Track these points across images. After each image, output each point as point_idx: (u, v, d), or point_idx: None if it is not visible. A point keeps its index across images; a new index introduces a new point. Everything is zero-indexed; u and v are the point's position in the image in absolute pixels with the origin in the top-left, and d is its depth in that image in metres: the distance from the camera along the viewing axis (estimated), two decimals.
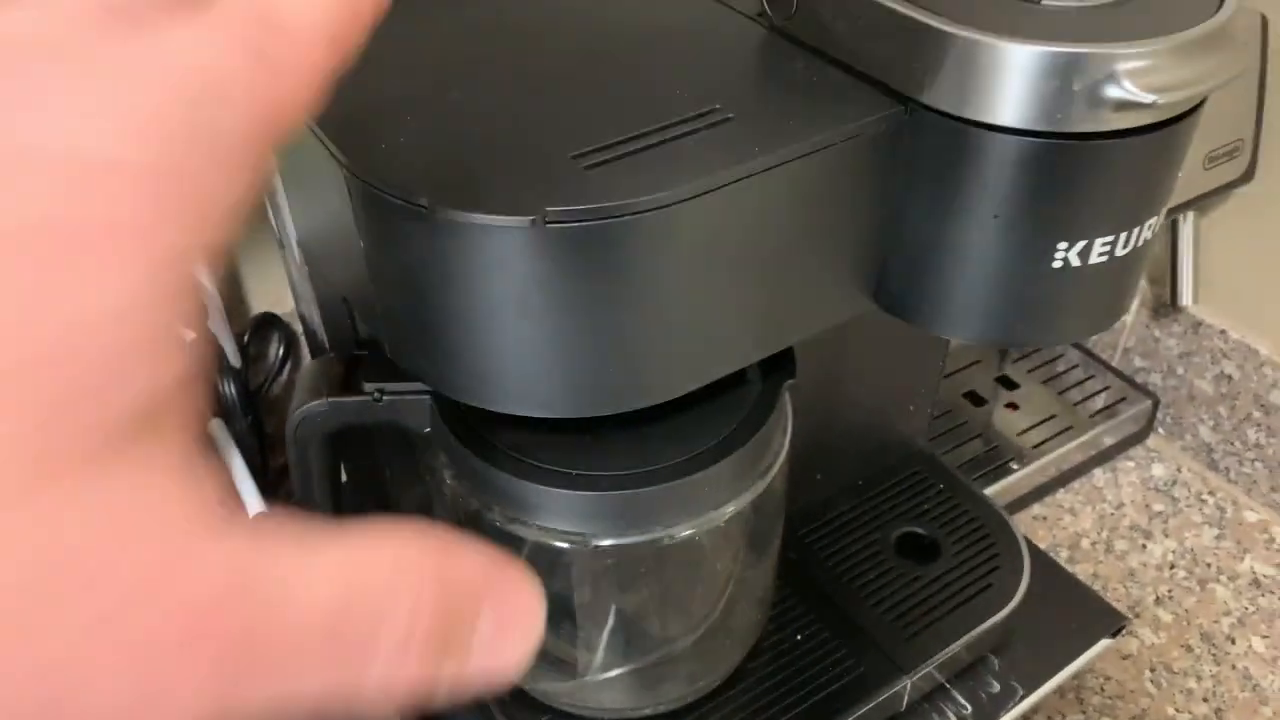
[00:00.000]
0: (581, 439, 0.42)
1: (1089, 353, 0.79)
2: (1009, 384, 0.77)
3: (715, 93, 0.36)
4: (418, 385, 0.43)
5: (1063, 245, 0.36)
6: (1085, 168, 0.34)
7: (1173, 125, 0.35)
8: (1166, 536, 0.71)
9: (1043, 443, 0.72)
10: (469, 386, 0.37)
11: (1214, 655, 0.63)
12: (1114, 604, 0.65)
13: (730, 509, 0.42)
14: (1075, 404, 0.75)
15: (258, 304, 0.73)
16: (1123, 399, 0.76)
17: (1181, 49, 0.32)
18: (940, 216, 0.37)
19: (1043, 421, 0.74)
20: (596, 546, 0.43)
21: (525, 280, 0.33)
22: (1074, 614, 0.57)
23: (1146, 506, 0.73)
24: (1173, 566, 0.69)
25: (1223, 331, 0.70)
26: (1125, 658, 0.63)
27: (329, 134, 0.35)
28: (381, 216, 0.34)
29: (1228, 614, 0.66)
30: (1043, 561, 0.58)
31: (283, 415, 0.78)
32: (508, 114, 0.36)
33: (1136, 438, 0.76)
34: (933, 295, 0.39)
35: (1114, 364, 0.78)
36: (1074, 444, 0.73)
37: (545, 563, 0.44)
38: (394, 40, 0.40)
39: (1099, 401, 0.76)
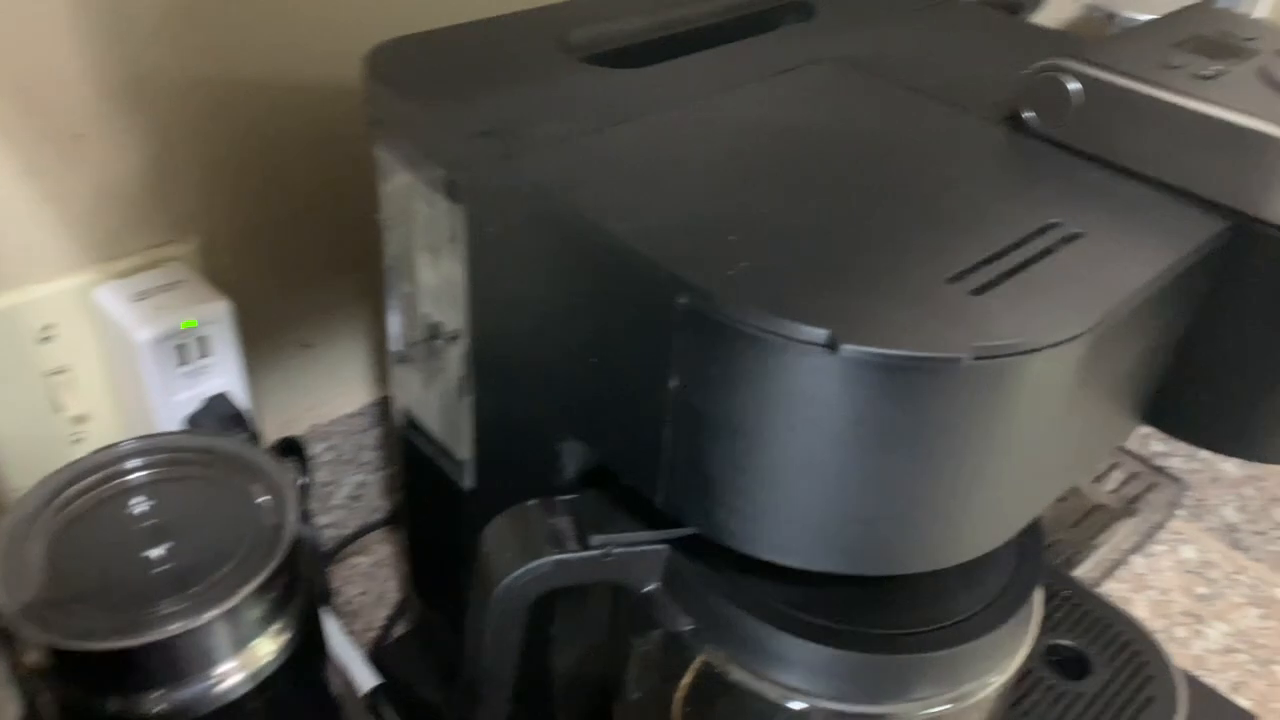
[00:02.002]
0: (832, 591, 0.37)
1: None
2: None
3: (1032, 205, 0.34)
4: (652, 535, 0.37)
5: None
6: None
7: None
8: (1218, 620, 0.72)
9: (1096, 535, 0.72)
10: (775, 540, 0.32)
11: None
12: None
13: (996, 679, 0.38)
14: (1111, 492, 0.76)
15: (267, 427, 0.64)
16: (1153, 485, 0.77)
17: None
18: (1255, 333, 0.35)
19: (1089, 513, 0.74)
20: (843, 714, 0.38)
21: (911, 419, 0.28)
22: (1212, 717, 0.56)
23: (1190, 590, 0.74)
24: (1234, 650, 0.70)
25: None
26: None
27: (649, 253, 0.30)
28: (733, 351, 0.29)
29: None
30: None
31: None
32: (837, 231, 0.32)
33: (1161, 523, 0.78)
34: (1225, 414, 0.37)
35: (1133, 449, 0.80)
36: (1120, 533, 0.73)
37: None
38: (670, 152, 0.35)
39: (1130, 489, 0.77)
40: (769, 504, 0.31)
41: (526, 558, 0.36)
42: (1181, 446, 0.77)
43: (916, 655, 0.36)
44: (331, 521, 0.71)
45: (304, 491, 0.65)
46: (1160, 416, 0.38)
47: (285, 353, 0.62)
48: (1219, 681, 0.67)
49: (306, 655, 0.37)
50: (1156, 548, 0.77)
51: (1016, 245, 0.31)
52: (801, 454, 0.30)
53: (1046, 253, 0.31)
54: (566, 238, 0.32)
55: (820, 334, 0.27)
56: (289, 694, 0.36)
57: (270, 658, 0.35)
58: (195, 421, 0.51)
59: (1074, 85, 0.36)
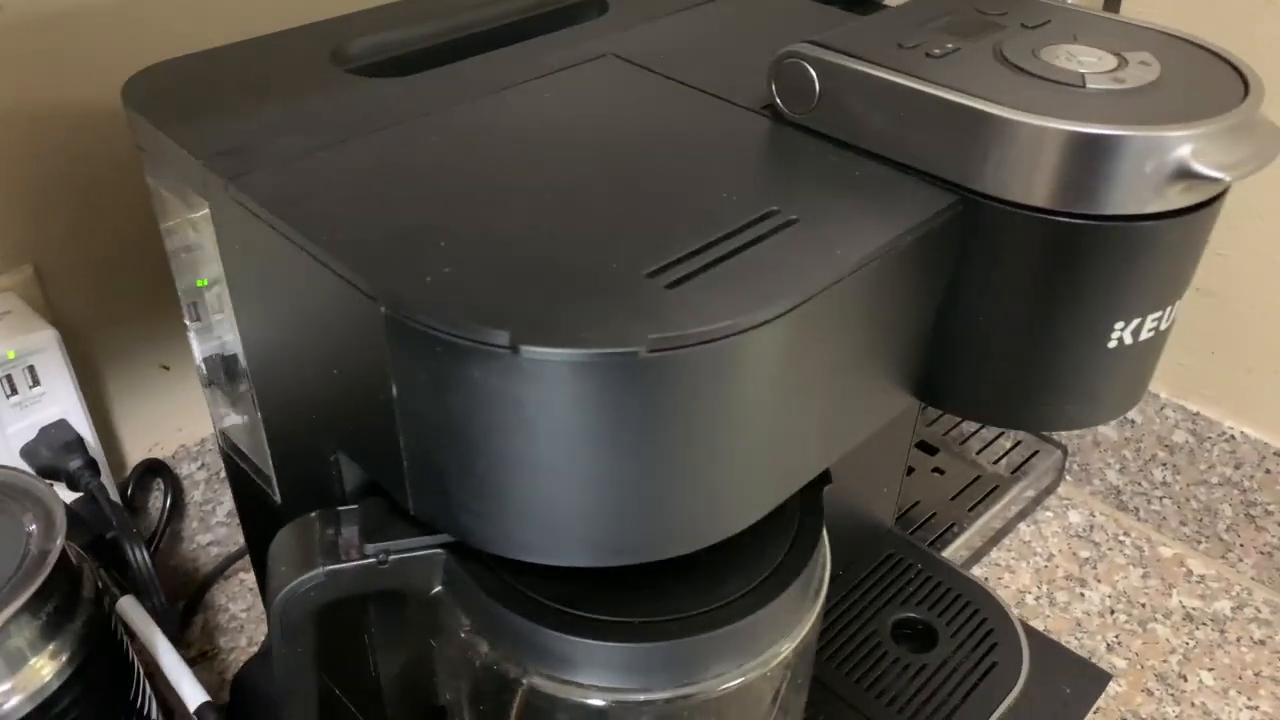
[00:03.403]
0: (614, 584, 0.38)
1: None
2: (929, 449, 0.78)
3: (760, 194, 0.34)
4: (425, 541, 0.37)
5: (1119, 324, 0.36)
6: (1146, 246, 0.34)
7: (1211, 205, 0.35)
8: (1099, 582, 0.73)
9: (975, 505, 0.73)
10: (519, 539, 0.33)
11: (1173, 695, 0.65)
12: None
13: (787, 646, 0.39)
14: (994, 462, 0.77)
15: (131, 449, 0.64)
16: (1035, 452, 0.78)
17: (1239, 128, 0.33)
18: (1000, 305, 0.36)
19: (970, 484, 0.75)
20: (643, 702, 0.39)
21: (607, 415, 0.29)
22: (1064, 679, 0.57)
23: (1074, 554, 0.75)
24: (1113, 612, 0.71)
25: None
26: (1095, 710, 0.64)
27: (352, 265, 0.30)
28: (434, 357, 0.29)
29: (1173, 652, 0.68)
30: (1025, 631, 0.58)
31: (179, 576, 0.68)
32: (552, 232, 0.32)
33: (1049, 489, 0.79)
34: (987, 386, 0.38)
35: None
36: (1002, 502, 0.74)
37: None
38: (404, 161, 0.35)
39: (1014, 458, 0.78)
40: (499, 504, 0.32)
41: (301, 570, 0.36)
42: None
43: (696, 636, 0.37)
44: (215, 539, 0.71)
45: (174, 510, 0.65)
46: (930, 391, 0.39)
47: (145, 375, 0.63)
48: (1096, 643, 0.68)
49: (98, 673, 0.37)
50: (1044, 514, 0.78)
51: (727, 236, 0.32)
52: (516, 454, 0.30)
53: (756, 241, 0.32)
54: (288, 256, 0.32)
55: (502, 336, 0.27)
56: (80, 712, 0.37)
57: (50, 678, 0.35)
58: (30, 451, 0.51)
59: (811, 71, 0.36)
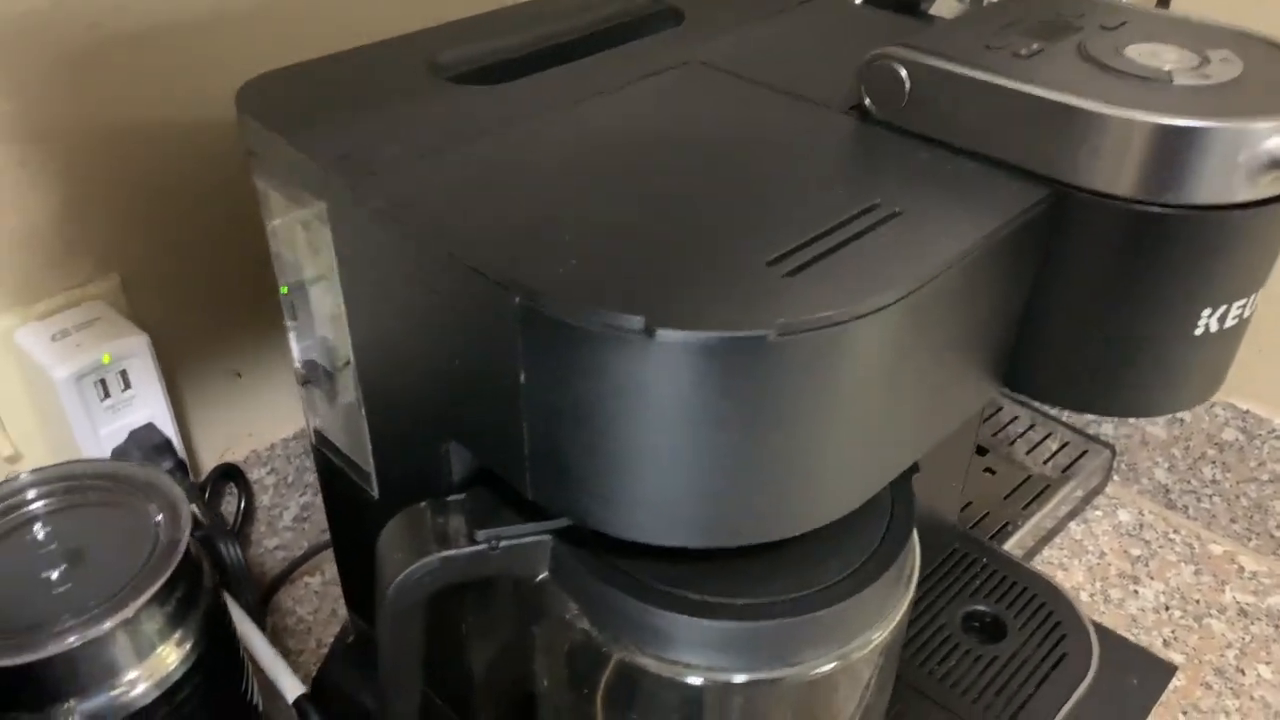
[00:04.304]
0: (715, 567, 0.39)
1: (1041, 411, 0.82)
2: (980, 450, 0.79)
3: (861, 189, 0.36)
4: (533, 527, 0.39)
5: (1206, 311, 0.37)
6: (1232, 235, 0.35)
7: None
8: (1152, 579, 0.74)
9: (1028, 504, 0.74)
10: (635, 521, 0.34)
11: (1232, 689, 0.66)
12: None
13: (879, 634, 0.40)
14: (1043, 463, 0.78)
15: (206, 454, 0.65)
16: (1085, 452, 0.79)
17: None
18: (1090, 294, 0.37)
19: (1021, 484, 0.76)
20: (740, 683, 0.40)
21: (732, 398, 0.30)
22: (1130, 671, 0.58)
23: (1125, 552, 0.76)
24: (1167, 608, 0.71)
25: None
26: (1158, 704, 0.65)
27: (483, 258, 0.31)
28: (568, 344, 0.30)
29: (1229, 646, 0.69)
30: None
31: (257, 575, 0.70)
32: (668, 225, 0.33)
33: (1098, 488, 0.80)
34: (1075, 373, 0.39)
35: (1065, 419, 0.82)
36: (1053, 502, 0.75)
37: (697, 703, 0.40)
38: (513, 162, 0.37)
39: (1063, 458, 0.79)
40: (621, 487, 0.33)
41: (415, 556, 0.38)
42: None
43: (794, 619, 0.38)
44: (281, 544, 0.72)
45: (245, 514, 0.67)
46: (1018, 379, 0.40)
47: (217, 382, 0.64)
48: (1153, 638, 0.69)
49: (215, 663, 0.39)
50: (1094, 513, 0.79)
51: (837, 227, 0.33)
52: (641, 436, 0.31)
53: (865, 232, 0.33)
54: (415, 253, 0.34)
55: (637, 321, 0.29)
56: (199, 701, 0.38)
57: (174, 666, 0.37)
58: (122, 453, 0.53)
59: (902, 71, 0.38)
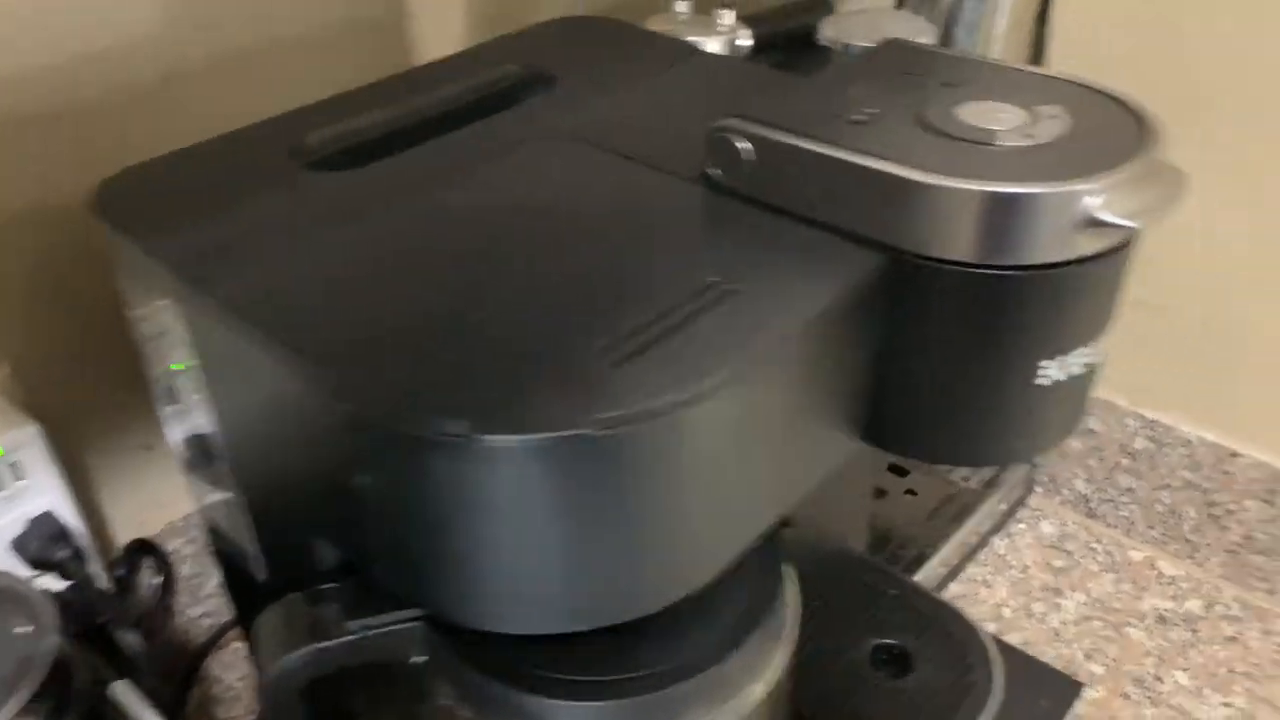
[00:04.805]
0: (586, 644, 0.39)
1: None
2: (900, 471, 0.80)
3: (702, 265, 0.36)
4: (404, 614, 0.39)
5: (1045, 364, 0.38)
6: (1063, 291, 0.36)
7: (1122, 250, 0.38)
8: (1074, 590, 0.75)
9: (949, 522, 0.75)
10: (489, 612, 0.34)
11: (1150, 698, 0.67)
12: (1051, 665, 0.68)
13: (759, 688, 0.41)
14: (965, 479, 0.79)
15: (121, 529, 0.65)
16: (1004, 467, 0.80)
17: (1143, 175, 0.35)
18: (933, 352, 0.38)
19: (943, 504, 0.77)
20: None
21: (566, 492, 0.31)
22: (1041, 692, 0.59)
23: (1048, 565, 0.77)
24: (1089, 619, 0.73)
25: None
26: (1077, 719, 0.66)
27: (314, 365, 0.32)
28: (396, 449, 0.31)
29: (1148, 655, 0.70)
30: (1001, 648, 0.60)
31: (174, 650, 0.69)
32: (504, 317, 0.34)
33: (1020, 500, 0.81)
34: (928, 428, 0.39)
35: None
36: (975, 518, 0.76)
37: None
38: (360, 254, 0.37)
39: (984, 472, 0.80)
40: (469, 581, 0.33)
41: (288, 649, 0.38)
42: None
43: (668, 690, 0.38)
44: (206, 611, 0.72)
45: (166, 586, 0.67)
46: (875, 433, 0.40)
47: (128, 457, 0.64)
48: (1074, 651, 0.70)
49: None
50: (1018, 526, 0.80)
51: (672, 309, 0.34)
52: (481, 533, 0.32)
53: (700, 312, 0.34)
54: (255, 353, 0.34)
55: (461, 425, 0.29)
56: None
57: None
58: (20, 545, 0.53)
59: (742, 143, 0.39)
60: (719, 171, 0.40)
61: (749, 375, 0.32)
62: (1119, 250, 0.36)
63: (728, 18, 0.62)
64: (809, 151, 0.37)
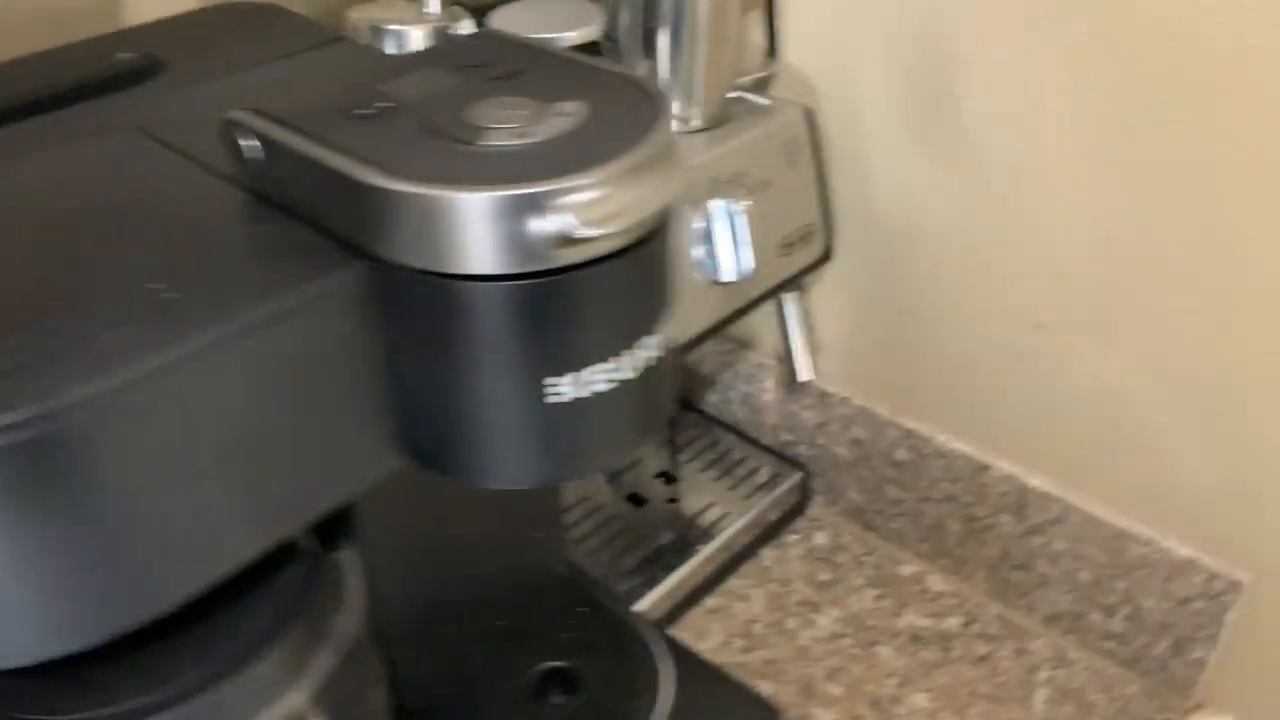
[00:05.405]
0: (76, 674, 0.37)
1: (742, 434, 0.81)
2: (670, 479, 0.77)
3: (159, 270, 0.33)
4: None
5: (551, 380, 0.35)
6: (549, 302, 0.33)
7: (641, 248, 0.35)
8: (833, 606, 0.72)
9: (706, 531, 0.72)
10: None
11: None
12: (788, 686, 0.65)
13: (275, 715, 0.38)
14: (735, 486, 0.77)
15: None
16: (777, 474, 0.77)
17: (616, 179, 0.32)
18: (433, 367, 0.35)
19: (703, 510, 0.74)
20: None
21: None
22: (728, 716, 0.56)
23: (812, 578, 0.74)
24: (840, 636, 0.70)
25: (845, 399, 0.73)
26: None
27: None
28: None
29: (891, 675, 0.67)
30: (694, 666, 0.57)
31: None
32: None
33: (796, 509, 0.78)
34: (455, 445, 0.37)
35: (764, 442, 0.80)
36: (736, 527, 0.73)
37: None
38: None
39: (758, 479, 0.77)
40: None
41: None
42: (804, 434, 0.78)
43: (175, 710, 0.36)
44: None
45: None
46: (416, 454, 0.38)
47: None
48: (815, 671, 0.68)
49: None
50: (791, 537, 0.78)
51: (89, 318, 0.31)
52: None
53: (116, 325, 0.31)
54: None
55: None
56: None
57: None
58: None
59: (245, 138, 0.36)
60: (235, 167, 0.37)
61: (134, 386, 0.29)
62: (611, 260, 0.33)
63: (434, 4, 0.59)
64: (287, 147, 0.34)
